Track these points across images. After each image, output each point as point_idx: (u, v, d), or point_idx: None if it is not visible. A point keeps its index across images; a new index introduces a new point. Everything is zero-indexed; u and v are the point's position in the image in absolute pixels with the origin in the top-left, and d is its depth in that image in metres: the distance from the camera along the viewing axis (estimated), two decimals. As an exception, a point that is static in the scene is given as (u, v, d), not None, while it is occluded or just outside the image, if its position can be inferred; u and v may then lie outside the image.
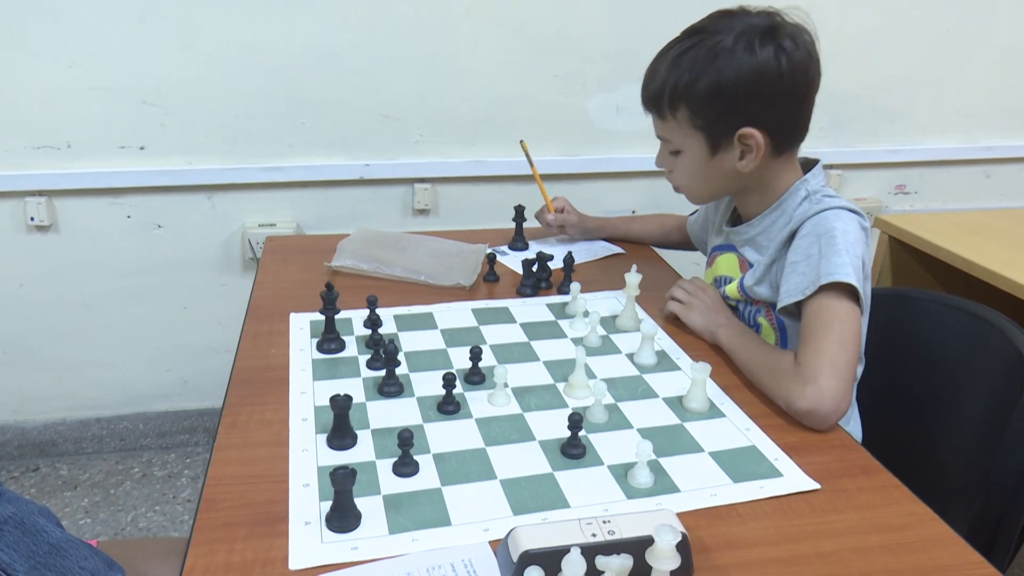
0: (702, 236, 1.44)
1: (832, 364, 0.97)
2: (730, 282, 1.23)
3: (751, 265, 1.20)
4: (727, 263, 1.26)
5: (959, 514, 0.98)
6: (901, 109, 2.31)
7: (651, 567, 0.69)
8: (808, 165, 1.17)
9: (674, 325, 1.25)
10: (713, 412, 1.01)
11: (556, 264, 1.39)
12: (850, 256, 1.03)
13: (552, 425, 0.97)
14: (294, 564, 0.74)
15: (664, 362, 1.13)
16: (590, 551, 0.68)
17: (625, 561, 0.68)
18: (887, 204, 2.44)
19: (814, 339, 1.00)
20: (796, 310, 1.08)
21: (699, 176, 1.15)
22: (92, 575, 0.91)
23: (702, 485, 0.88)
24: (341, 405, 0.89)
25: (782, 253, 1.12)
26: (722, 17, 1.08)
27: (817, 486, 0.88)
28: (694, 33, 1.09)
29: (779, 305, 1.09)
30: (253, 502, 0.82)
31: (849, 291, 1.02)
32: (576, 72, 2.07)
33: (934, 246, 1.83)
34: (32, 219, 1.94)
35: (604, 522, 0.74)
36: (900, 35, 2.22)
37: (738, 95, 1.05)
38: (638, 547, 0.70)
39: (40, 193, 1.93)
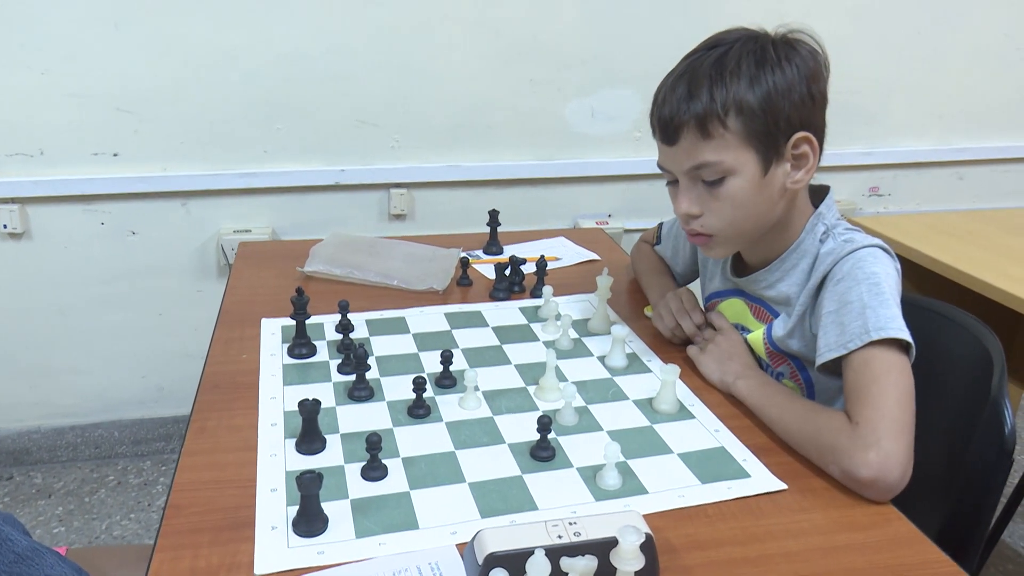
0: (679, 268, 1.35)
1: (895, 425, 0.87)
2: (746, 331, 1.13)
3: (774, 313, 1.10)
4: (734, 310, 1.16)
5: (929, 515, 0.98)
6: (875, 111, 2.34)
7: (615, 568, 0.70)
8: (815, 194, 1.09)
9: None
10: (683, 414, 1.02)
11: (529, 268, 1.39)
12: (897, 306, 0.95)
13: (522, 428, 0.97)
14: (259, 569, 0.74)
15: (635, 364, 1.14)
16: (555, 553, 0.69)
17: (590, 563, 0.69)
18: (861, 206, 2.47)
19: (870, 396, 0.89)
20: (832, 365, 0.97)
21: (747, 205, 1.00)
22: None
23: (670, 486, 0.88)
24: (309, 410, 0.89)
25: (812, 300, 1.03)
26: (733, 32, 1.02)
27: (784, 486, 0.89)
28: (715, 45, 1.00)
29: (819, 360, 0.98)
30: (220, 507, 0.82)
31: (899, 344, 0.93)
32: (552, 77, 2.08)
33: (906, 247, 1.85)
34: (5, 226, 1.92)
35: (570, 524, 0.74)
36: (872, 38, 2.25)
37: (793, 97, 0.97)
38: (603, 548, 0.70)
39: (13, 200, 1.91)
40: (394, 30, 1.94)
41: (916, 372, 0.96)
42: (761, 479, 0.90)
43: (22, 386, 2.11)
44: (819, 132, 1.01)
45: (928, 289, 1.87)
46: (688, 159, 1.00)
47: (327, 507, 0.80)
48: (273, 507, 0.82)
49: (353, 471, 0.88)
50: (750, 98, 0.96)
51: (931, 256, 1.77)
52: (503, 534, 0.73)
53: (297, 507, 0.79)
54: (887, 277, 0.97)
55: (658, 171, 1.08)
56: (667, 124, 1.00)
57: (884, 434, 0.86)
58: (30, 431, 2.16)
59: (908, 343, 0.93)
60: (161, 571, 0.73)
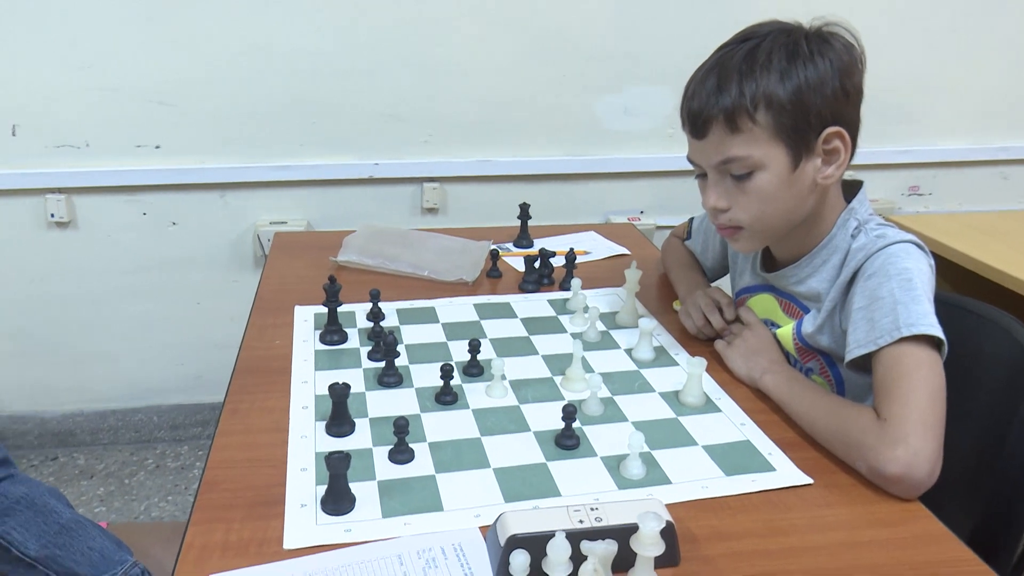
0: (709, 263, 1.35)
1: (924, 422, 0.86)
2: (775, 327, 1.13)
3: (804, 309, 1.09)
4: (764, 305, 1.16)
5: (961, 517, 0.97)
6: (915, 109, 2.30)
7: (636, 553, 0.70)
8: (848, 189, 1.08)
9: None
10: (709, 407, 1.02)
11: (559, 262, 1.40)
12: (930, 303, 0.94)
13: (547, 417, 0.98)
14: (288, 544, 0.76)
15: (662, 357, 1.14)
16: (576, 536, 0.70)
17: (610, 547, 0.69)
18: (900, 206, 2.43)
19: (899, 393, 0.89)
20: (862, 361, 0.96)
21: (776, 199, 0.99)
22: (101, 554, 0.94)
23: (694, 477, 0.88)
24: (339, 393, 0.91)
25: (843, 296, 1.02)
26: (765, 24, 1.01)
27: (810, 481, 0.89)
28: (747, 39, 0.99)
29: (848, 356, 0.97)
30: (252, 485, 0.84)
31: (930, 340, 0.92)
32: (583, 73, 2.08)
33: (944, 247, 1.82)
34: (52, 216, 1.98)
35: (592, 509, 0.75)
36: (912, 33, 2.21)
37: (825, 91, 0.96)
38: (624, 534, 0.71)
39: (60, 191, 1.97)
40: (428, 25, 1.96)
41: (950, 371, 0.94)
42: (786, 473, 0.90)
43: (67, 371, 2.18)
44: (852, 127, 1.00)
45: (966, 289, 1.84)
46: (716, 153, 1.00)
47: (355, 487, 0.82)
48: (303, 486, 0.84)
49: (381, 454, 0.90)
50: (780, 92, 0.95)
51: (967, 254, 1.74)
52: (525, 517, 0.74)
53: (326, 486, 0.81)
54: (919, 273, 0.96)
55: (691, 167, 1.07)
56: (696, 118, 1.00)
57: (912, 430, 0.85)
58: (74, 414, 2.23)
59: (940, 340, 0.92)
60: (195, 544, 0.76)
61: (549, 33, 2.03)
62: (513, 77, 2.05)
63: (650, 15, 2.05)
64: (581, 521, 0.74)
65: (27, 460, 2.18)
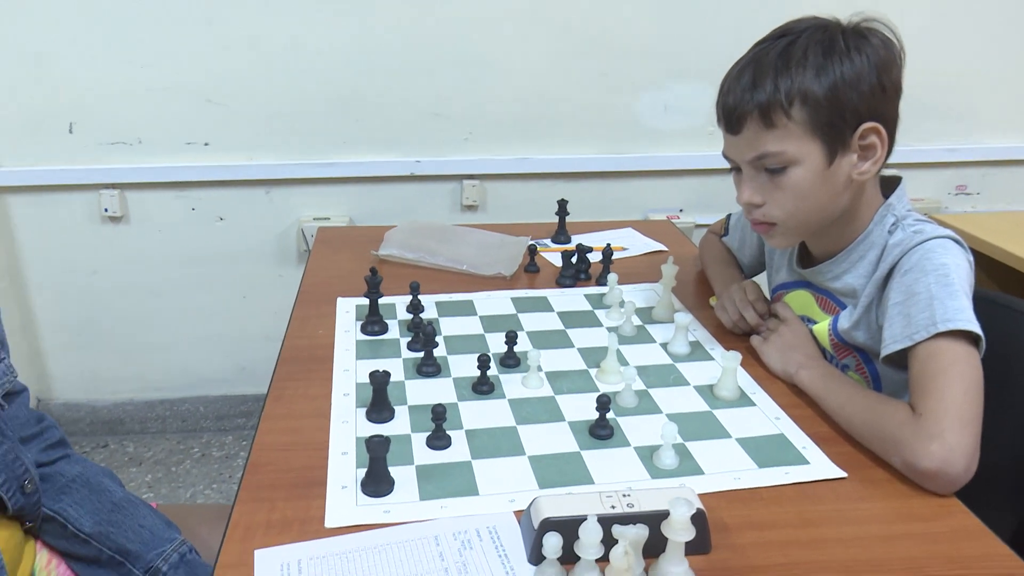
0: (746, 259, 1.35)
1: (960, 417, 0.85)
2: (811, 323, 1.13)
3: (841, 304, 1.09)
4: (800, 301, 1.16)
5: (1000, 516, 0.95)
6: (961, 107, 2.26)
7: (666, 539, 0.72)
8: (886, 185, 1.07)
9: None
10: (743, 400, 1.03)
11: (596, 257, 1.41)
12: (968, 298, 0.93)
13: (582, 407, 1.00)
14: (330, 523, 0.79)
15: (697, 352, 1.15)
16: (607, 521, 0.71)
17: (640, 531, 0.71)
18: (947, 205, 2.38)
19: (935, 388, 0.88)
20: (898, 357, 0.96)
21: (810, 195, 1.00)
22: (151, 532, 0.98)
23: (726, 468, 0.89)
24: (379, 380, 0.94)
25: (879, 292, 1.02)
26: (802, 20, 1.01)
27: (844, 475, 0.89)
28: (783, 35, 1.00)
29: (884, 352, 0.97)
30: (295, 467, 0.87)
31: (968, 336, 0.91)
32: (623, 70, 2.09)
33: (992, 246, 1.79)
34: (106, 210, 2.05)
35: (624, 496, 0.76)
36: (959, 30, 2.16)
37: (861, 87, 0.96)
38: (655, 520, 0.72)
39: (113, 186, 2.04)
40: (469, 25, 1.99)
41: (993, 368, 0.93)
42: (820, 466, 0.90)
43: (118, 361, 2.26)
44: (890, 123, 0.99)
45: (1015, 289, 1.80)
46: (751, 149, 1.00)
47: (394, 471, 0.85)
48: (344, 469, 0.87)
49: (419, 440, 0.92)
50: (816, 88, 0.95)
51: (1017, 255, 1.71)
52: (558, 501, 0.76)
53: (366, 469, 0.84)
54: (957, 268, 0.95)
55: (730, 165, 1.08)
56: (731, 113, 1.01)
57: (948, 426, 0.85)
58: (124, 403, 2.31)
59: (978, 335, 0.91)
60: (240, 522, 0.79)
61: (591, 32, 2.04)
62: (554, 75, 2.07)
63: (692, 12, 2.04)
64: (613, 507, 0.75)
65: (79, 447, 2.26)
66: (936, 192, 2.37)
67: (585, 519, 0.70)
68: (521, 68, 2.05)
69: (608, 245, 1.38)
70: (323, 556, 0.75)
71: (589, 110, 2.11)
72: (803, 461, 0.91)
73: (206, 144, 2.04)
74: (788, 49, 0.98)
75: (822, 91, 0.95)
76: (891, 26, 1.00)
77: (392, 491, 0.83)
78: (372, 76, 2.01)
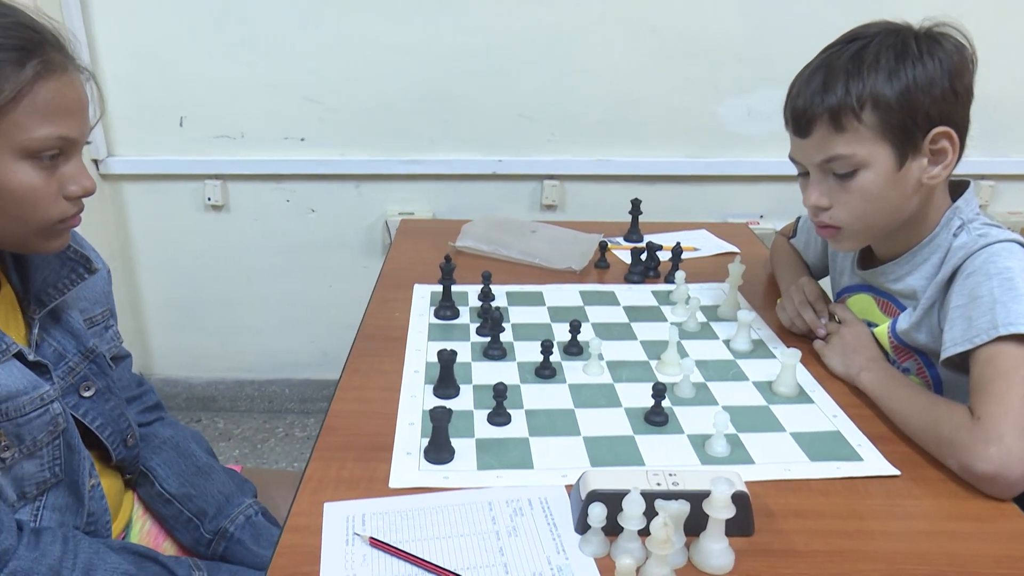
0: (811, 261, 1.36)
1: (1019, 421, 0.84)
2: (873, 326, 1.12)
3: (901, 307, 1.09)
4: (861, 305, 1.16)
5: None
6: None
7: (708, 517, 0.75)
8: (955, 189, 1.07)
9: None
10: (802, 397, 1.04)
11: (666, 256, 1.44)
12: None
13: (639, 395, 1.03)
14: (393, 483, 0.85)
15: (759, 349, 1.16)
16: (651, 496, 0.75)
17: (682, 506, 0.74)
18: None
19: (995, 391, 0.87)
20: (960, 360, 0.95)
21: (878, 199, 1.00)
22: (226, 498, 1.06)
23: (777, 460, 0.91)
24: (447, 358, 1.00)
25: (942, 294, 1.01)
26: (874, 25, 1.02)
27: (897, 472, 0.89)
28: (855, 39, 1.01)
29: (944, 355, 0.96)
30: (365, 432, 0.94)
31: None
32: (708, 75, 2.10)
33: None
34: (209, 199, 2.21)
35: (670, 475, 0.80)
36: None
37: (934, 92, 0.96)
38: (697, 499, 0.75)
39: (217, 177, 2.19)
40: (555, 28, 2.04)
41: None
42: (873, 463, 0.91)
43: (214, 341, 2.41)
44: (961, 128, 0.99)
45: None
46: (819, 152, 1.01)
47: (455, 442, 0.90)
48: (409, 437, 0.93)
49: (480, 416, 0.98)
50: (887, 92, 0.96)
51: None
52: (606, 475, 0.80)
53: (429, 439, 0.90)
54: (1021, 272, 0.94)
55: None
56: (800, 116, 1.02)
57: (1008, 430, 0.84)
58: (216, 382, 2.46)
59: None
60: (314, 476, 0.87)
61: (677, 37, 2.06)
62: (640, 79, 2.09)
63: (779, 18, 2.04)
64: (658, 484, 0.79)
65: (176, 419, 2.43)
66: (1029, 205, 2.27)
67: (629, 492, 0.74)
68: (605, 71, 2.09)
69: (678, 243, 1.40)
70: (385, 512, 0.81)
71: (672, 113, 2.13)
72: (856, 458, 0.92)
73: (302, 139, 2.16)
74: (860, 53, 0.99)
75: (894, 95, 0.96)
76: (964, 31, 1.00)
77: (452, 459, 0.89)
78: (461, 78, 2.09)
